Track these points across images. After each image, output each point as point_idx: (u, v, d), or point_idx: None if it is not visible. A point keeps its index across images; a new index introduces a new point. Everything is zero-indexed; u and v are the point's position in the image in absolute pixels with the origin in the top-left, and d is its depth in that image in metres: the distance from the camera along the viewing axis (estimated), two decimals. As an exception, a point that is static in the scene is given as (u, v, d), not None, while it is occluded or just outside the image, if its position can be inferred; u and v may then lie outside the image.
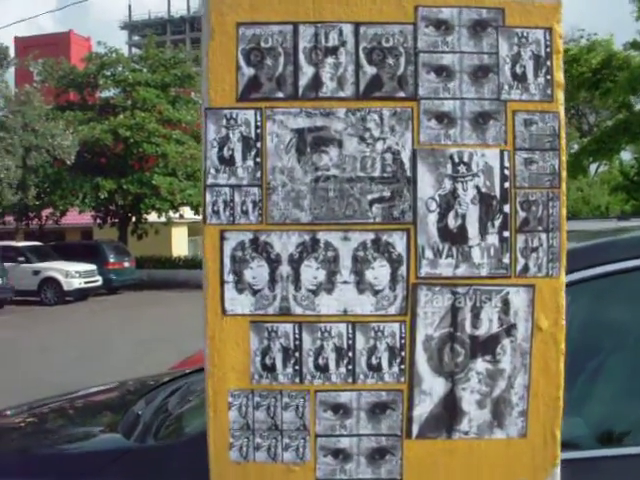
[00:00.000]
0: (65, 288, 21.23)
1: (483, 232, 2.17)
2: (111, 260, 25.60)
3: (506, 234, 2.17)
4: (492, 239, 2.18)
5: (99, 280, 24.27)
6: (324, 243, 2.15)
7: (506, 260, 2.17)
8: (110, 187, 27.52)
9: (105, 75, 30.57)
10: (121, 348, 13.06)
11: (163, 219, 30.06)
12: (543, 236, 2.19)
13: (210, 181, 2.19)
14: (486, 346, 2.06)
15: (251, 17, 2.19)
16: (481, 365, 2.07)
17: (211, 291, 2.19)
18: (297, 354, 2.18)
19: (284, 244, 2.16)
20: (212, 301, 2.19)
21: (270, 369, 2.19)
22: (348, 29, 2.17)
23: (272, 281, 2.17)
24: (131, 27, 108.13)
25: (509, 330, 2.07)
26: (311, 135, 2.15)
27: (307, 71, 2.17)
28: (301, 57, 2.17)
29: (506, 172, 2.17)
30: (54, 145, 21.65)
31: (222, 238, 2.18)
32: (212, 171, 2.19)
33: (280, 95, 2.17)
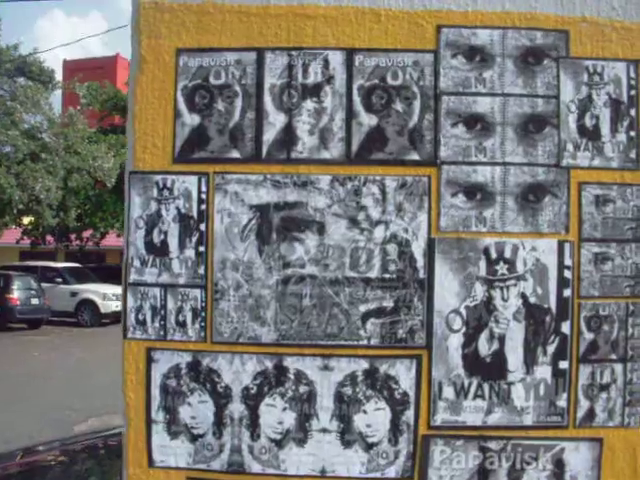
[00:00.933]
0: (102, 310, 20.98)
1: (530, 361, 1.48)
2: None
3: (564, 365, 1.48)
4: (542, 372, 1.49)
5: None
6: (294, 373, 1.48)
7: (562, 402, 1.49)
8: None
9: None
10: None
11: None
12: (618, 368, 1.49)
13: (133, 277, 1.52)
14: None
15: (197, 41, 1.51)
16: None
17: (133, 434, 1.52)
18: (253, 530, 1.51)
19: (236, 373, 1.49)
20: (133, 449, 1.52)
21: None
22: (337, 58, 1.48)
23: (219, 424, 1.50)
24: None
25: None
26: (279, 215, 1.47)
27: (275, 120, 1.48)
28: (267, 99, 1.48)
29: (567, 274, 1.47)
30: (95, 167, 21.75)
31: (149, 359, 1.50)
32: (136, 263, 1.52)
33: (235, 155, 1.49)
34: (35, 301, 18.44)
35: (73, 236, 27.09)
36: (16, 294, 17.72)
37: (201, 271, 1.51)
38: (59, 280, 20.74)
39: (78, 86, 22.82)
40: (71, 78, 23.58)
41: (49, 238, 26.04)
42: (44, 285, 19.41)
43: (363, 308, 1.49)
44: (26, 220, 21.99)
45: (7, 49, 19.84)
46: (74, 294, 20.07)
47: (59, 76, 23.95)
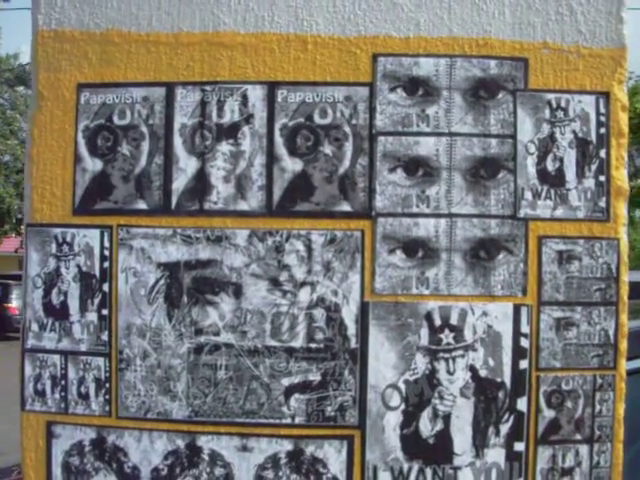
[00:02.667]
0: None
1: (480, 443, 1.30)
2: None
3: (519, 447, 1.29)
4: (495, 455, 1.30)
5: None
6: (209, 454, 1.30)
7: (518, 490, 1.28)
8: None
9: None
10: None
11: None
12: (583, 450, 1.29)
13: (31, 343, 1.35)
14: None
15: (100, 75, 1.33)
16: None
17: (33, 516, 1.36)
18: None
19: (145, 452, 1.32)
20: (34, 533, 1.36)
21: None
22: (257, 93, 1.29)
23: (127, 509, 1.32)
24: None
25: None
26: (191, 275, 1.29)
27: (186, 166, 1.30)
28: (177, 142, 1.30)
29: (524, 343, 1.27)
30: None
31: (50, 434, 1.34)
32: (34, 327, 1.35)
33: (142, 206, 1.31)
34: None
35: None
36: (15, 303, 17.66)
37: (104, 337, 1.33)
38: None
39: None
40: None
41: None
42: None
43: (286, 382, 1.30)
44: None
45: (7, 58, 20.08)
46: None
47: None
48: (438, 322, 1.29)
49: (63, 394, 1.35)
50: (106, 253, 1.32)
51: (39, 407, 1.36)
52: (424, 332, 1.29)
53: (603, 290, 1.30)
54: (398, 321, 1.29)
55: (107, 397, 1.33)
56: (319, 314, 1.30)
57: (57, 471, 1.36)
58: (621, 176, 1.31)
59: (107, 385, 1.33)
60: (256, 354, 1.30)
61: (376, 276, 1.29)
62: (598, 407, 1.31)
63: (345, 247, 1.29)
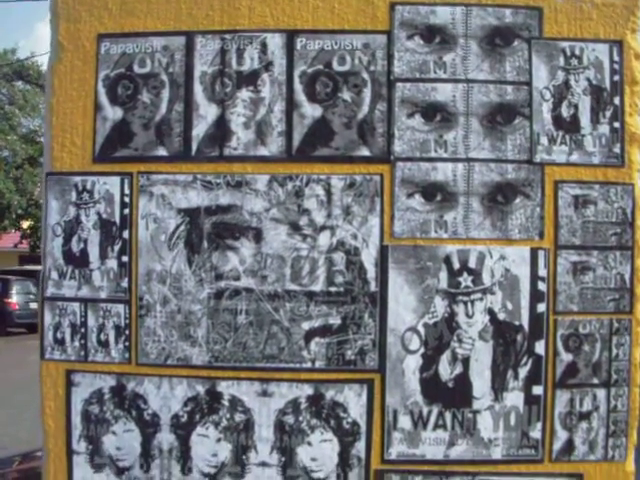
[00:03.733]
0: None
1: (499, 387, 1.31)
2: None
3: (538, 391, 1.31)
4: (513, 398, 1.31)
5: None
6: (229, 400, 1.31)
7: (536, 433, 1.31)
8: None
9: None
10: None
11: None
12: (601, 394, 1.30)
13: (50, 291, 1.35)
14: None
15: (121, 25, 1.34)
16: None
17: (52, 467, 1.36)
18: None
19: (165, 399, 1.32)
20: (53, 483, 1.36)
21: None
22: (276, 41, 1.31)
23: (146, 456, 1.33)
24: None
25: None
26: (211, 220, 1.30)
27: (206, 113, 1.31)
28: (197, 89, 1.31)
29: (541, 286, 1.28)
30: None
31: (69, 383, 1.34)
32: (54, 275, 1.35)
33: (162, 153, 1.32)
34: (34, 305, 18.42)
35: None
36: (15, 298, 17.61)
37: (124, 284, 1.33)
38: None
39: None
40: (70, 82, 23.85)
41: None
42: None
43: (306, 326, 1.31)
44: (25, 224, 22.04)
45: (5, 53, 20.06)
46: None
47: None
48: (457, 265, 1.30)
49: (83, 342, 1.35)
50: (126, 200, 1.33)
51: (58, 356, 1.36)
52: (443, 275, 1.30)
53: (619, 234, 1.32)
54: (417, 264, 1.30)
55: (127, 344, 1.34)
56: (339, 258, 1.31)
57: (76, 420, 1.36)
58: (635, 123, 1.33)
59: (127, 332, 1.34)
60: (276, 298, 1.31)
61: (395, 220, 1.30)
62: (615, 351, 1.32)
63: (364, 191, 1.31)
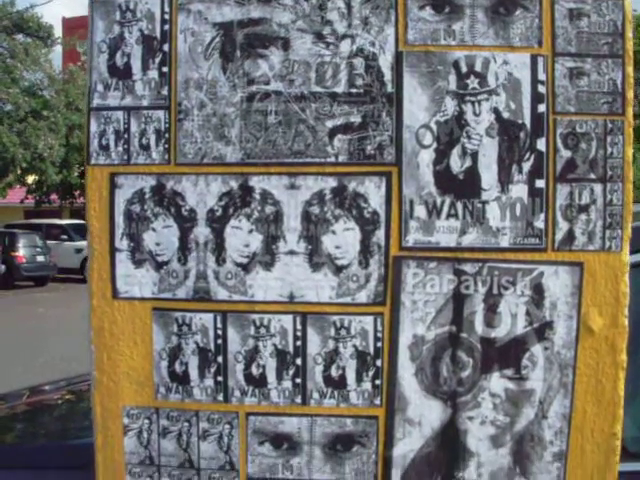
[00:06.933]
0: (107, 266, 21.26)
1: (505, 179, 1.43)
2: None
3: (540, 184, 1.42)
4: (518, 190, 1.43)
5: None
6: (260, 193, 1.43)
7: (539, 223, 1.43)
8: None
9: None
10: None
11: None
12: (597, 188, 1.43)
13: (96, 102, 1.49)
14: (506, 355, 1.30)
15: None
16: (498, 384, 1.32)
17: (97, 264, 1.49)
18: (220, 359, 1.46)
19: (201, 195, 1.45)
20: (98, 279, 1.48)
21: (182, 380, 1.47)
22: None
23: (184, 249, 1.46)
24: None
25: (542, 331, 1.32)
26: (243, 32, 1.44)
27: None
28: None
29: (541, 89, 1.42)
30: None
31: (113, 185, 1.47)
32: (99, 88, 1.49)
33: (199, -28, 1.46)
34: (41, 259, 18.51)
35: (77, 193, 26.32)
36: (22, 252, 17.89)
37: (164, 92, 1.47)
38: (64, 237, 20.68)
39: (79, 42, 22.57)
40: (71, 36, 23.44)
41: (54, 197, 25.85)
42: (49, 242, 19.44)
43: (330, 124, 1.44)
44: (30, 179, 21.85)
45: (3, 5, 19.76)
46: (79, 251, 19.75)
47: (58, 32, 23.90)
48: (464, 69, 1.44)
49: (126, 147, 1.49)
50: (166, 17, 1.48)
51: (103, 160, 1.49)
52: (452, 78, 1.44)
53: (610, 44, 1.46)
54: (429, 68, 1.44)
55: (166, 146, 1.47)
56: (358, 63, 1.45)
57: (119, 219, 1.49)
58: None
59: (166, 135, 1.47)
60: (302, 99, 1.45)
61: (408, 29, 1.45)
62: (609, 149, 1.46)
63: (380, 4, 1.45)
